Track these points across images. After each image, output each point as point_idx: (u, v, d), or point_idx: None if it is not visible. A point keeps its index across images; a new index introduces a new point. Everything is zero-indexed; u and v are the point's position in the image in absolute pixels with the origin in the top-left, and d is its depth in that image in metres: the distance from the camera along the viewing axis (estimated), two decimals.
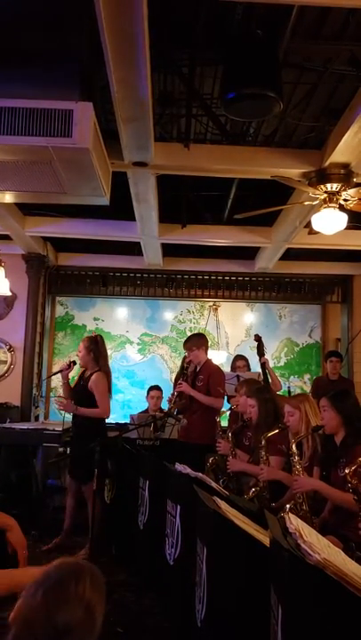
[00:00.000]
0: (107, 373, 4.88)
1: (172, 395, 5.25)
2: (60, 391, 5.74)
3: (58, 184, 3.93)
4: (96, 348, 4.86)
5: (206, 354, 5.34)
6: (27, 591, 1.20)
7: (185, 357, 5.41)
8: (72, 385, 5.00)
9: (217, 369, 5.33)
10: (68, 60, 3.28)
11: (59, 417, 5.98)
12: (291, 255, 7.00)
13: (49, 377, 7.00)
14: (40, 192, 4.27)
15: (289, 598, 1.71)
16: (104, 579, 1.26)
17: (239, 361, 6.14)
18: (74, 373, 5.15)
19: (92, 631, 1.15)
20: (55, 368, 7.36)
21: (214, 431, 4.79)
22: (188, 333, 7.36)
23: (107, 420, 4.96)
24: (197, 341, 5.30)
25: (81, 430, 4.86)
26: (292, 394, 6.64)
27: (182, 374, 5.31)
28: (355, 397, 3.58)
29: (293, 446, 3.34)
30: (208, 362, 5.30)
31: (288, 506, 3.21)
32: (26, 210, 6.01)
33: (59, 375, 5.20)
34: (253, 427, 4.23)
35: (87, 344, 4.87)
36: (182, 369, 5.41)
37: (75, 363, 4.96)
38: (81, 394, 4.78)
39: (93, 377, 4.77)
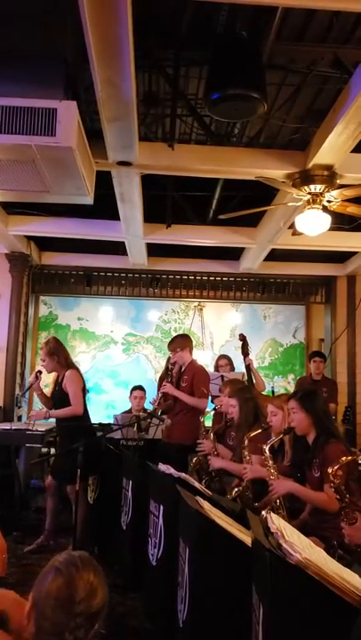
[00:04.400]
0: (77, 369, 4.87)
1: (157, 396, 5.25)
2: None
3: (41, 183, 3.91)
4: (56, 349, 4.80)
5: (191, 354, 5.34)
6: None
7: (170, 358, 5.41)
8: (51, 391, 4.96)
9: (201, 369, 5.33)
10: (53, 58, 3.27)
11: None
12: (275, 256, 7.03)
13: (23, 394, 6.86)
14: (23, 191, 4.25)
15: (270, 597, 1.71)
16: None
17: (221, 360, 6.15)
18: (49, 381, 5.11)
19: (98, 603, 1.44)
20: (31, 374, 7.27)
21: (198, 431, 4.79)
22: (173, 333, 7.36)
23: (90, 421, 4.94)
24: (182, 342, 5.30)
25: (64, 431, 4.84)
26: (276, 394, 6.67)
27: (167, 375, 5.32)
28: (322, 397, 3.55)
29: (267, 449, 3.32)
30: (193, 362, 5.30)
31: (263, 512, 3.21)
32: (9, 209, 5.97)
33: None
34: (235, 426, 4.25)
35: (47, 350, 4.78)
36: (167, 369, 5.41)
37: (40, 372, 4.93)
38: (60, 397, 4.76)
39: (67, 375, 4.73)
